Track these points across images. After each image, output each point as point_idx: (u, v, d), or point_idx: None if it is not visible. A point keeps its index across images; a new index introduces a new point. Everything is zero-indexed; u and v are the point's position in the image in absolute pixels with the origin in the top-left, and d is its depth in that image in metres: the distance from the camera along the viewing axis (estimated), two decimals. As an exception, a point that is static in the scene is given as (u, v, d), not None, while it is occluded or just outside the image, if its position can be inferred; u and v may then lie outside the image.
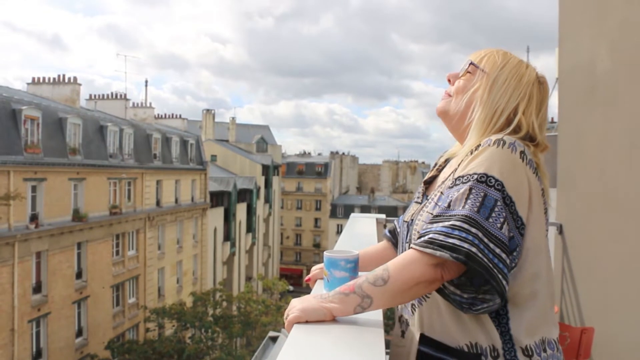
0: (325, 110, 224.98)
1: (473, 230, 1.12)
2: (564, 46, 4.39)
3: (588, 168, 3.86)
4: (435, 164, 1.55)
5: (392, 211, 55.34)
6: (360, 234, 2.90)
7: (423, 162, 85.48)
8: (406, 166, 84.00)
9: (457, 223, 1.13)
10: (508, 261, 1.14)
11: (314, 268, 1.64)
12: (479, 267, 1.10)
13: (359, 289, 1.17)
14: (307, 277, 1.63)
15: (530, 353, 1.20)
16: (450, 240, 1.11)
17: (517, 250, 1.20)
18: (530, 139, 1.32)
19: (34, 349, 19.66)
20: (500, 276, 1.11)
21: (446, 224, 1.14)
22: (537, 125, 1.34)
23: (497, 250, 1.12)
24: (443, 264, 1.14)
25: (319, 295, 1.24)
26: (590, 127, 3.82)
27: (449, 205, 1.18)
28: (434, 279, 1.16)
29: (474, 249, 1.10)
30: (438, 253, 1.12)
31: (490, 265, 1.11)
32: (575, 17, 4.20)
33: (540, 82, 1.39)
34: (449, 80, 1.46)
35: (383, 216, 3.70)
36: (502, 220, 1.15)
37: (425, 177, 1.53)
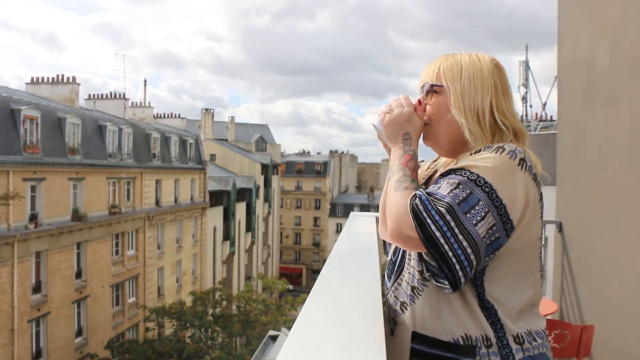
0: (323, 109, 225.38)
1: (448, 217, 1.15)
2: (563, 43, 4.39)
3: (588, 166, 3.85)
4: (432, 165, 1.56)
5: (392, 210, 55.09)
6: (359, 232, 2.89)
7: (423, 160, 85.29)
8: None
9: (437, 205, 1.16)
10: (473, 257, 1.15)
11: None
12: (435, 251, 1.15)
13: (400, 169, 1.32)
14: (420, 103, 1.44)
15: (522, 340, 1.23)
16: (424, 215, 1.15)
17: (498, 250, 1.22)
18: (514, 133, 1.34)
19: (34, 349, 19.67)
20: (457, 266, 1.14)
21: (430, 198, 1.18)
22: (510, 113, 1.35)
23: (465, 244, 1.14)
24: None
25: (406, 135, 1.38)
26: (590, 125, 3.82)
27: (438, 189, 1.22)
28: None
29: (438, 234, 1.13)
30: (412, 222, 1.17)
31: (450, 254, 1.14)
32: (574, 14, 4.19)
33: (497, 67, 1.38)
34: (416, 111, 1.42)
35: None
36: (479, 219, 1.16)
37: (423, 178, 1.54)
